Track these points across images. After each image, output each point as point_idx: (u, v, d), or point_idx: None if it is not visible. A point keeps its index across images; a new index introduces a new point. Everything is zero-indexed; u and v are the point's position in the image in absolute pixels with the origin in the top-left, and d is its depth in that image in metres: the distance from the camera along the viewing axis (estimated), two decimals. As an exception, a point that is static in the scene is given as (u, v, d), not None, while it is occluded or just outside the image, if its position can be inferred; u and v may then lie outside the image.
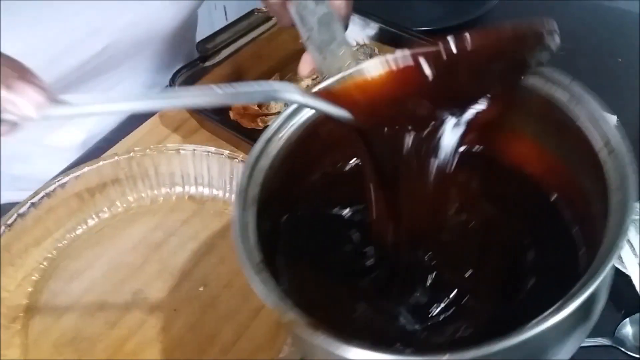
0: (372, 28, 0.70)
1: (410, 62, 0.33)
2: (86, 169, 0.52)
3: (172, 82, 0.61)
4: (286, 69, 0.67)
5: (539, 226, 0.36)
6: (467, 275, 0.36)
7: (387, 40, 0.70)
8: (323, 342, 0.27)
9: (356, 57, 0.41)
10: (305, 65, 0.44)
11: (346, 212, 0.39)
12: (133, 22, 0.60)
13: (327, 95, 0.34)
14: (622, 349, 0.46)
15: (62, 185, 0.51)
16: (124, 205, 0.54)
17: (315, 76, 0.65)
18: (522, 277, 0.35)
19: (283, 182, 0.36)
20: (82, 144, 0.65)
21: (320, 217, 0.40)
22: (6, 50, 0.45)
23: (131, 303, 0.47)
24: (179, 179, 0.54)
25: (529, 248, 0.35)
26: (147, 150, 0.53)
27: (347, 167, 0.41)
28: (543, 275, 0.34)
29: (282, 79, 0.65)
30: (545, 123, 0.34)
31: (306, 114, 0.36)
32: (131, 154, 0.53)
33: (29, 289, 0.48)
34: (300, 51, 0.70)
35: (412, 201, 0.35)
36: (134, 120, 0.64)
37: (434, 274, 0.36)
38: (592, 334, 0.46)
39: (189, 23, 0.72)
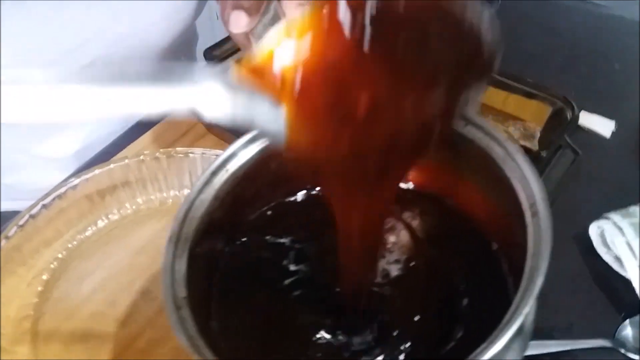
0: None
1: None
2: (97, 171, 0.53)
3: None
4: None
5: (477, 272, 0.37)
6: (405, 317, 0.36)
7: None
8: None
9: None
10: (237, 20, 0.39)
11: (288, 245, 0.39)
12: (122, 36, 0.59)
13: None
14: (623, 351, 0.47)
15: (73, 187, 0.52)
16: (134, 207, 0.55)
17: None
18: (458, 320, 0.35)
19: (226, 213, 0.36)
20: (76, 154, 0.65)
21: (261, 251, 0.39)
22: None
23: (140, 303, 0.48)
24: (188, 182, 0.55)
25: (466, 293, 0.36)
26: (157, 153, 0.54)
27: (295, 199, 0.41)
28: (476, 322, 0.34)
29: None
30: (485, 175, 0.34)
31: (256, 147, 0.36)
32: (141, 157, 0.54)
33: (39, 289, 0.49)
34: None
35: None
36: (143, 126, 0.65)
37: (370, 316, 0.36)
38: (592, 336, 0.48)
39: (186, 39, 0.72)
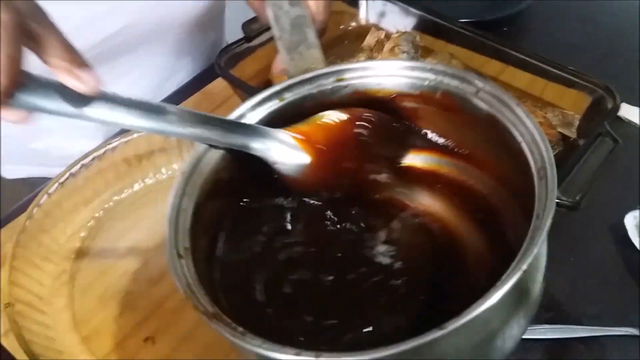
0: (415, 17, 0.71)
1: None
2: (135, 135, 0.54)
3: (218, 60, 0.63)
4: (327, 53, 0.68)
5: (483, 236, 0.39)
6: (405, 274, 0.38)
7: (428, 30, 0.71)
8: (219, 329, 0.28)
9: (323, 60, 0.42)
10: (277, 64, 0.45)
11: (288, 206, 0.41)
12: (152, 5, 0.60)
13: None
14: (651, 340, 0.46)
15: (112, 149, 0.53)
16: (169, 172, 0.56)
17: (355, 60, 0.66)
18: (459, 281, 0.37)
19: (232, 174, 0.37)
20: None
21: (263, 212, 0.41)
22: None
23: (173, 264, 0.49)
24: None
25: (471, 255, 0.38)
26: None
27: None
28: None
29: (324, 62, 0.66)
30: (495, 140, 0.35)
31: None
32: (178, 124, 0.55)
33: (77, 245, 0.51)
34: (342, 37, 0.72)
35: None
36: (180, 96, 0.66)
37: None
38: (618, 324, 0.47)
39: (214, 12, 0.72)
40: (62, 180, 0.50)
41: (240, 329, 0.29)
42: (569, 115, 0.59)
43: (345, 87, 0.39)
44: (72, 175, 0.51)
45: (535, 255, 0.27)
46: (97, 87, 0.32)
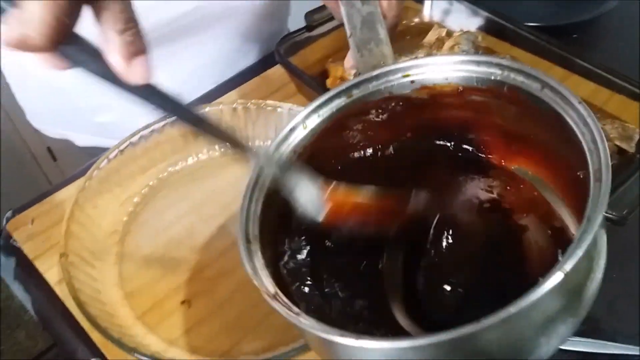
0: (480, 17, 0.70)
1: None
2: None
3: (278, 47, 0.65)
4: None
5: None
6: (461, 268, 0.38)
7: (493, 31, 0.70)
8: (277, 307, 0.30)
9: (392, 56, 0.42)
10: (348, 60, 0.45)
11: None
12: None
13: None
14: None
15: (172, 124, 0.56)
16: (222, 150, 0.59)
17: (414, 56, 0.67)
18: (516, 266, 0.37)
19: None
20: None
21: None
22: None
23: (216, 235, 0.52)
24: (273, 134, 0.58)
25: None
26: (249, 104, 0.58)
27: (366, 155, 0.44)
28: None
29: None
30: (557, 137, 0.35)
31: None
32: (234, 105, 0.58)
33: (130, 209, 0.54)
34: (404, 32, 0.73)
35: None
36: (240, 79, 0.69)
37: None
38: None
39: (277, 5, 0.74)
40: (122, 147, 0.54)
41: (295, 309, 0.31)
42: (629, 129, 0.57)
43: (412, 82, 0.40)
44: (131, 144, 0.55)
45: (581, 257, 0.27)
46: (143, 79, 0.31)
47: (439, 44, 0.66)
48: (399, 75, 0.40)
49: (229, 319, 0.46)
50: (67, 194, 0.55)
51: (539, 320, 0.29)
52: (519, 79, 0.35)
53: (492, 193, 0.41)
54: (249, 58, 0.75)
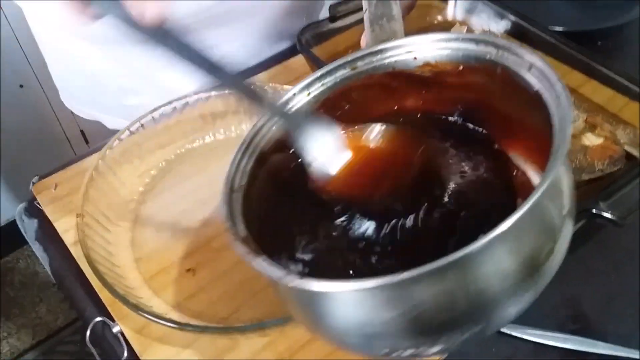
0: (503, 18, 0.71)
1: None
2: (213, 92, 0.59)
3: (300, 36, 0.67)
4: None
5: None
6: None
7: (515, 33, 0.70)
8: (240, 250, 0.31)
9: (402, 34, 0.43)
10: (364, 39, 0.46)
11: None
12: None
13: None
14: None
15: (192, 104, 0.59)
16: (238, 132, 0.61)
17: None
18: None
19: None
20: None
21: None
22: None
23: (224, 210, 0.54)
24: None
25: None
26: (266, 86, 0.60)
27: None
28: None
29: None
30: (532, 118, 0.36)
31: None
32: (252, 87, 0.60)
33: (147, 180, 0.57)
34: (427, 29, 0.74)
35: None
36: (261, 67, 0.71)
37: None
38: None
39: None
40: (143, 122, 0.57)
41: (263, 255, 0.31)
42: (641, 135, 0.57)
43: (415, 58, 0.41)
44: (153, 119, 0.58)
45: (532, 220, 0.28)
46: (157, 19, 0.32)
47: (458, 43, 0.67)
48: (403, 51, 0.40)
49: (230, 288, 0.48)
50: (90, 162, 0.58)
51: (492, 274, 0.29)
52: (511, 58, 0.36)
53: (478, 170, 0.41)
54: (277, 50, 0.76)
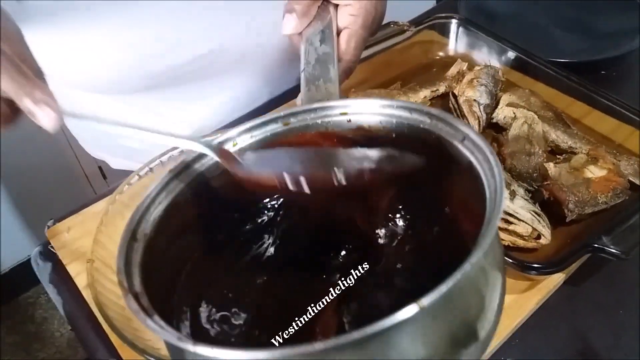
0: (500, 51, 0.72)
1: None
2: (219, 135, 0.61)
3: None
4: (410, 80, 0.72)
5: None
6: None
7: (516, 66, 0.71)
8: (132, 307, 0.29)
9: (337, 96, 0.42)
10: (299, 97, 0.45)
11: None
12: (241, 33, 0.62)
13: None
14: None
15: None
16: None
17: (435, 88, 0.69)
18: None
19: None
20: (195, 131, 0.70)
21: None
22: (123, 37, 0.51)
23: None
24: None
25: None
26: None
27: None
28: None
29: (403, 87, 0.70)
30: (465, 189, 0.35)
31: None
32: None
33: (156, 223, 0.58)
34: (430, 65, 0.75)
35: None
36: (261, 109, 0.72)
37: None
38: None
39: None
40: (151, 166, 0.59)
41: (154, 314, 0.30)
42: (646, 166, 0.57)
43: (349, 121, 0.40)
44: (161, 162, 0.59)
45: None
46: (55, 124, 0.33)
47: (458, 77, 0.69)
48: (337, 112, 0.40)
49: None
50: (101, 207, 0.60)
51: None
52: (445, 129, 0.36)
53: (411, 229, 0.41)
54: (276, 93, 0.75)
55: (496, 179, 0.30)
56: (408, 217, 0.42)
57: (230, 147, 0.40)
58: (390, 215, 0.42)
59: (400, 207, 0.42)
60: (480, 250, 0.26)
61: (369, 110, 0.39)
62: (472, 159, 0.33)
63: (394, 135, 0.38)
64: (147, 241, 0.34)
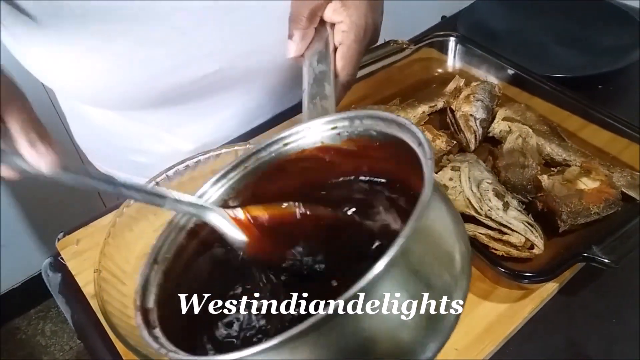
0: (497, 67, 0.74)
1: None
2: (224, 150, 0.63)
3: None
4: (410, 96, 0.73)
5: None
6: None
7: (513, 82, 0.73)
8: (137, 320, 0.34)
9: (333, 111, 0.44)
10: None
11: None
12: (248, 52, 0.63)
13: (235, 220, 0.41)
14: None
15: (204, 161, 0.62)
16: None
17: (433, 104, 0.71)
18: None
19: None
20: (194, 150, 0.72)
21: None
22: (135, 56, 0.53)
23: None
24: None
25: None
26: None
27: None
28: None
29: (402, 103, 0.71)
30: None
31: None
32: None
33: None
34: (430, 81, 0.77)
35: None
36: (264, 126, 0.74)
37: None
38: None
39: None
40: (158, 180, 0.61)
41: (156, 332, 0.34)
42: (638, 177, 0.59)
43: (338, 134, 0.41)
44: (167, 177, 0.61)
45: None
46: (54, 165, 0.35)
47: (455, 93, 0.70)
48: (281, 145, 0.42)
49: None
50: (109, 220, 0.62)
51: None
52: (380, 124, 0.38)
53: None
54: (279, 110, 0.77)
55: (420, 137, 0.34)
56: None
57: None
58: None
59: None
60: (429, 186, 0.30)
61: (308, 133, 0.41)
62: (406, 138, 0.36)
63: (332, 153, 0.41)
64: (167, 264, 0.39)
